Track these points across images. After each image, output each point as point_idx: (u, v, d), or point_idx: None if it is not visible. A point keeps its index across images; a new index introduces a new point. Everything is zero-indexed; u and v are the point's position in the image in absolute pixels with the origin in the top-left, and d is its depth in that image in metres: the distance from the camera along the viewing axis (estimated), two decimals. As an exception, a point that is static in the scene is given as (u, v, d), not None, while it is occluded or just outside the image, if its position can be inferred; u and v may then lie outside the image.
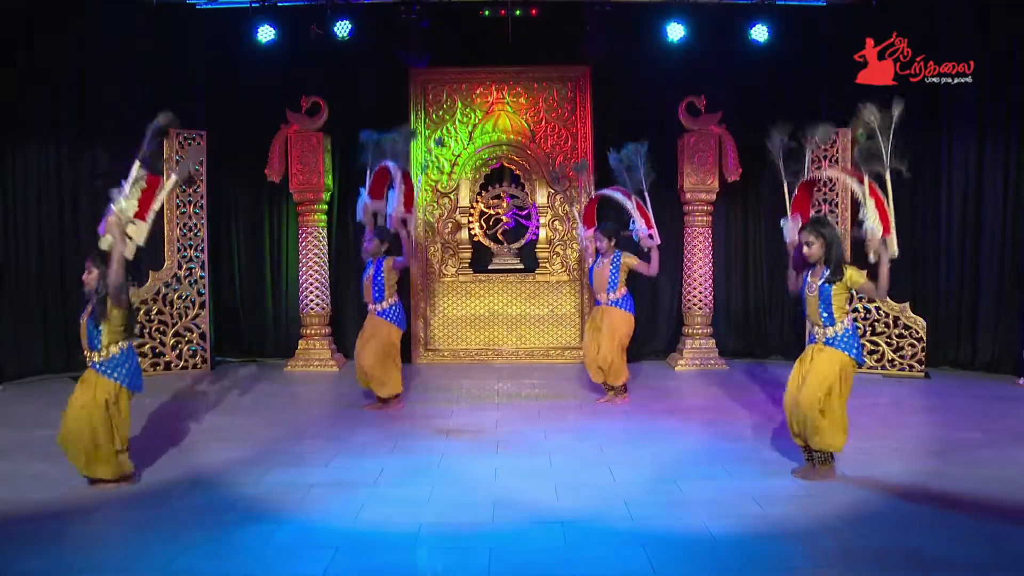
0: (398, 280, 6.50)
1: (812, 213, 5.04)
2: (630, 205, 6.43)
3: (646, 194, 6.45)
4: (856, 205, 4.55)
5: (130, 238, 4.42)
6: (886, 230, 4.33)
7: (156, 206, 4.59)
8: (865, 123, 4.40)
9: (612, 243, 6.46)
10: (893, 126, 4.34)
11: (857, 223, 4.47)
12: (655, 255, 6.37)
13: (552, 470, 4.77)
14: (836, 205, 7.81)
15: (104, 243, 4.39)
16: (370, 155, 6.56)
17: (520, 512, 4.05)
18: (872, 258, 4.40)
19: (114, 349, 4.39)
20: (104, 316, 4.34)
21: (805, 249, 4.48)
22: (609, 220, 6.75)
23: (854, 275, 4.41)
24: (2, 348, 7.60)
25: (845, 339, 4.43)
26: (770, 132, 5.17)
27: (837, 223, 7.42)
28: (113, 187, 4.47)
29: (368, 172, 6.55)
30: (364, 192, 6.48)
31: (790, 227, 4.86)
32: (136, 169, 4.45)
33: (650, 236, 6.35)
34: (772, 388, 7.12)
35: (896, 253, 4.36)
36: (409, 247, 6.38)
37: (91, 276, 4.38)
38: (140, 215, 4.50)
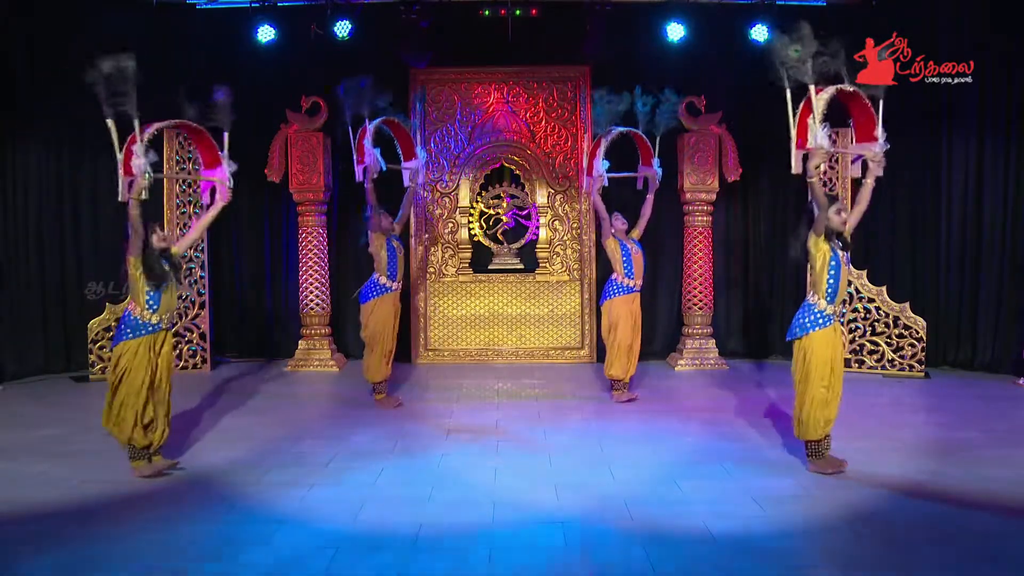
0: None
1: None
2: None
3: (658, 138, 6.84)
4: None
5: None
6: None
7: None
8: (798, 45, 4.44)
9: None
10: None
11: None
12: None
13: (552, 470, 4.77)
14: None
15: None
16: (348, 111, 6.50)
17: (520, 512, 4.05)
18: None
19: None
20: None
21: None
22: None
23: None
24: (2, 348, 7.60)
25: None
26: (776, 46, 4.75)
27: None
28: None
29: (351, 135, 6.47)
30: (359, 160, 6.35)
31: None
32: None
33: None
34: (772, 388, 7.12)
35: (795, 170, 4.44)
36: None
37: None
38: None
